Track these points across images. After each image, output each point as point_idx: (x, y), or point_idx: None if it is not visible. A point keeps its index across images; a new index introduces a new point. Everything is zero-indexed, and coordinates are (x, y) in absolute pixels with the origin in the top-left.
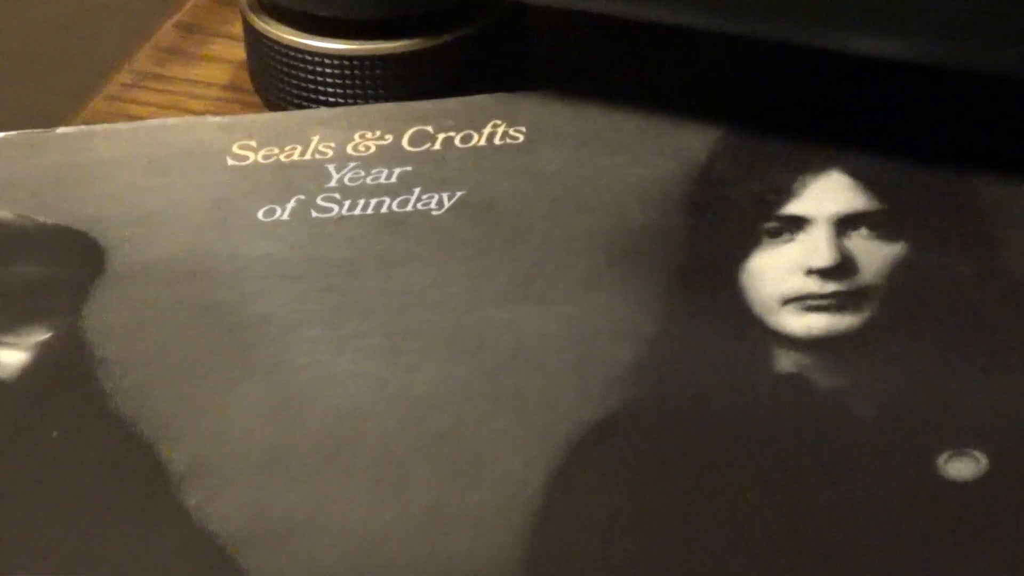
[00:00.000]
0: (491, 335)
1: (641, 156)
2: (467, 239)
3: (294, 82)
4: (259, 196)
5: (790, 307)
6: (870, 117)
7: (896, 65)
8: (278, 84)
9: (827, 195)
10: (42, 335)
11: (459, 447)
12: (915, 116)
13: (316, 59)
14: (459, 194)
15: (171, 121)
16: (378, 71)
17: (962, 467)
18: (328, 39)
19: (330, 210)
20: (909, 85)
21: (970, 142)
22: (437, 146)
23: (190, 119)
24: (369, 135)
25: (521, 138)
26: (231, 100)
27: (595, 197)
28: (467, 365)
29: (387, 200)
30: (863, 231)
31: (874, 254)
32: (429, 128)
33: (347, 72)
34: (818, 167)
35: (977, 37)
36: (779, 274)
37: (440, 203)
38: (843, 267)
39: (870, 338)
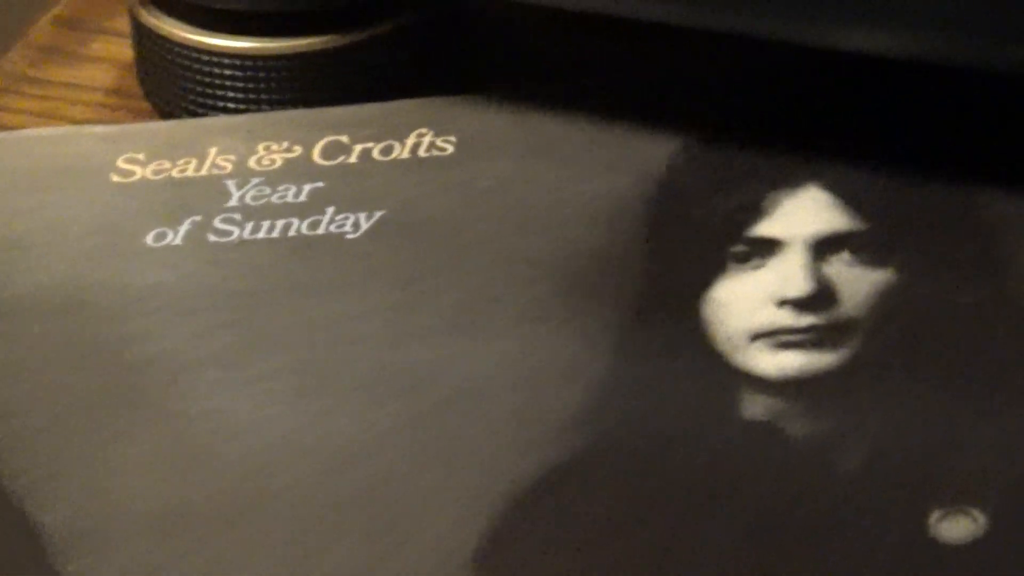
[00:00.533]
0: (419, 375)
1: (591, 169)
2: (389, 265)
3: (189, 85)
4: (148, 218)
5: (760, 343)
6: (854, 124)
7: (885, 65)
8: (170, 88)
9: (803, 214)
10: None
11: (384, 504)
12: (905, 123)
13: (214, 59)
14: (379, 214)
15: (47, 131)
16: (285, 72)
17: (957, 527)
18: (228, 36)
19: (230, 233)
20: (899, 88)
21: (969, 152)
22: (353, 159)
23: (69, 129)
24: (275, 147)
25: (451, 149)
26: (116, 107)
27: (537, 217)
28: (391, 410)
29: (295, 221)
30: (844, 255)
31: (857, 282)
32: (344, 138)
33: (249, 74)
34: (793, 182)
35: (982, 30)
36: (748, 305)
37: (357, 225)
38: (821, 297)
39: (853, 379)
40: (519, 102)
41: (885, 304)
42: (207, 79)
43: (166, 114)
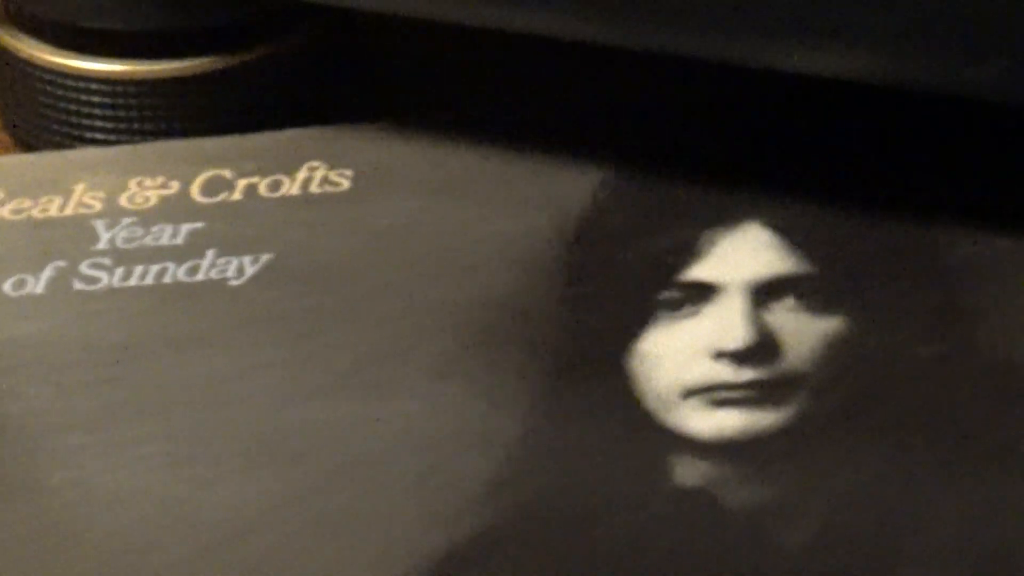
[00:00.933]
0: (311, 441)
1: (503, 207)
2: (277, 316)
3: (52, 114)
4: (6, 263)
5: (695, 401)
6: (799, 157)
7: (834, 91)
8: (32, 117)
9: (742, 256)
10: None
11: None
12: (857, 155)
13: (80, 83)
14: (265, 258)
15: None
16: (160, 99)
17: None
18: (96, 58)
19: (98, 280)
20: (851, 117)
21: (929, 188)
22: (237, 196)
23: None
24: (149, 182)
25: (346, 184)
26: None
27: (444, 261)
28: (279, 480)
29: (172, 266)
30: (789, 302)
31: (803, 331)
32: (226, 173)
33: (120, 100)
34: (731, 220)
35: (940, 51)
36: (680, 358)
37: (241, 270)
38: (763, 348)
39: (800, 441)
40: (424, 131)
41: (835, 357)
42: (73, 106)
43: (27, 146)
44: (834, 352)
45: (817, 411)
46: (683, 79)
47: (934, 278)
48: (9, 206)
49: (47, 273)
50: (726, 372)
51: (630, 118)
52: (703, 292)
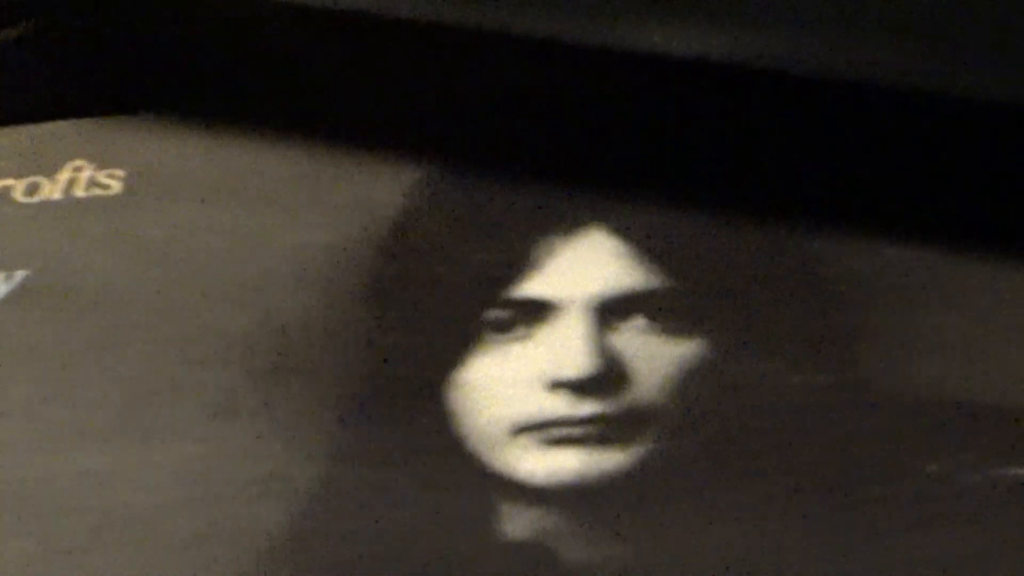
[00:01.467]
0: (70, 494)
1: (301, 215)
2: (34, 346)
3: None
4: None
5: (526, 439)
6: (650, 152)
7: (692, 74)
8: None
9: (583, 268)
10: None
11: None
12: (718, 150)
13: None
14: (21, 276)
15: None
16: None
17: None
18: None
19: None
20: (709, 104)
21: (801, 188)
22: None
23: None
24: None
25: (117, 187)
26: None
27: (230, 279)
28: (32, 539)
29: None
30: (639, 322)
31: (656, 358)
32: None
33: None
34: (570, 226)
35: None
36: (510, 389)
37: None
38: (607, 377)
39: (649, 487)
40: (207, 125)
41: (693, 387)
42: None
43: None
44: (692, 382)
45: (671, 452)
46: (511, 67)
47: (810, 294)
48: None
49: None
50: (563, 405)
51: (450, 112)
52: (537, 311)
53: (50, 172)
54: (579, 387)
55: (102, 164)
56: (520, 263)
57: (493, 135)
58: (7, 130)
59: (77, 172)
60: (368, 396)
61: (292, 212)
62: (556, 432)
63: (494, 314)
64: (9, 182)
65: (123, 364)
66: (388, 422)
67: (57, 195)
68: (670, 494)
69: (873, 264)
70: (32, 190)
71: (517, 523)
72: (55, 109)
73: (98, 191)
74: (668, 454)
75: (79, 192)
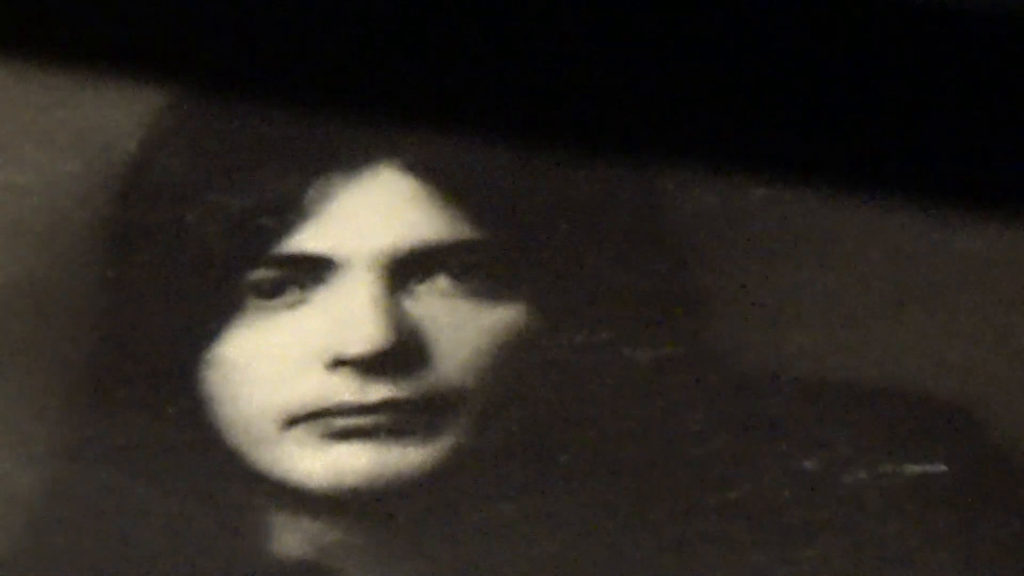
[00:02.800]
0: None
1: (10, 150)
2: None
3: None
4: None
5: (300, 432)
6: (454, 69)
7: None
8: None
9: (370, 215)
10: None
11: None
12: (538, 64)
13: None
14: None
15: None
16: None
17: None
18: None
19: None
20: (525, 20)
21: (647, 109)
22: None
23: None
24: None
25: None
26: None
27: None
28: None
29: None
30: (441, 283)
31: (463, 327)
32: None
33: None
34: (353, 162)
35: None
36: (280, 368)
37: None
38: (403, 353)
39: (457, 489)
40: None
41: (507, 364)
42: None
43: None
44: (506, 358)
45: (480, 446)
46: None
47: (653, 245)
48: None
49: None
50: (348, 389)
51: (197, 23)
52: (312, 270)
53: None
54: (367, 366)
55: None
56: (288, 210)
57: (251, 51)
58: None
59: None
60: (100, 380)
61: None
62: (339, 422)
63: (258, 274)
64: None
65: None
66: (125, 412)
67: None
68: (479, 498)
69: (733, 206)
70: None
71: (290, 538)
72: None
73: None
74: (477, 449)
75: None
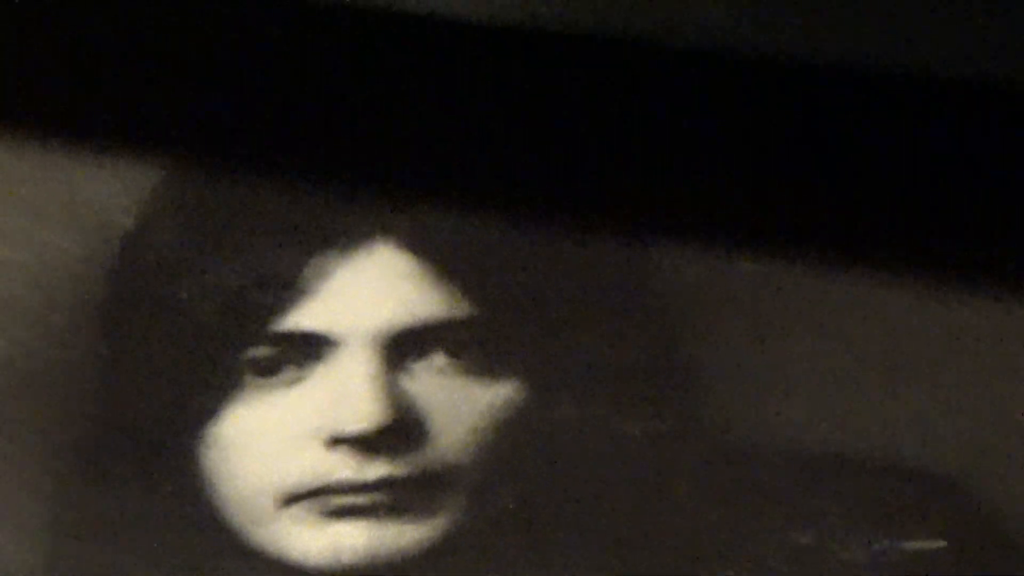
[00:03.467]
0: None
1: (4, 226)
2: None
3: None
4: None
5: (299, 510)
6: (449, 147)
7: (505, 50)
8: None
9: (367, 293)
10: None
11: None
12: (531, 143)
13: None
14: None
15: None
16: None
17: None
18: None
19: None
20: (520, 89)
21: (638, 185)
22: None
23: None
24: None
25: None
26: None
27: None
28: None
29: None
30: (438, 360)
31: (459, 404)
32: None
33: None
34: (350, 239)
35: None
36: (277, 447)
37: None
38: (400, 431)
39: (453, 566)
40: None
41: (503, 440)
42: None
43: None
44: (501, 434)
45: (477, 523)
46: (266, 43)
47: (644, 319)
48: None
49: None
50: (346, 467)
51: (196, 100)
52: (309, 348)
53: None
54: (365, 444)
55: None
56: (285, 287)
57: (246, 127)
58: None
59: None
60: (95, 456)
61: None
62: (338, 500)
63: (254, 352)
64: None
65: None
66: (121, 489)
67: None
68: (476, 574)
69: (723, 280)
70: None
71: None
72: None
73: None
74: (472, 525)
75: None
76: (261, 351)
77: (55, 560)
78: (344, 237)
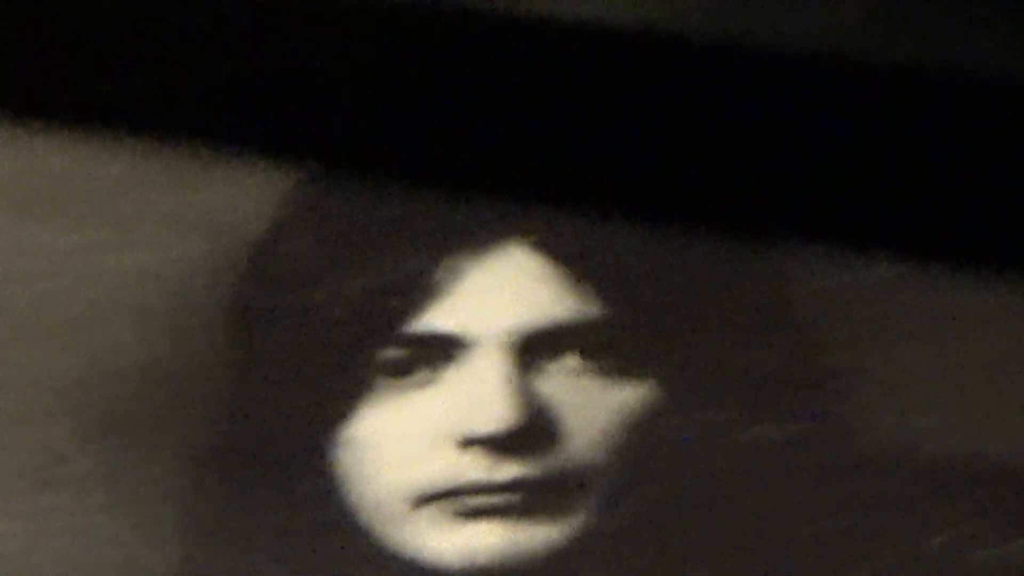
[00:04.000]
0: None
1: (139, 231)
2: None
3: None
4: None
5: (433, 511)
6: (583, 148)
7: (639, 53)
8: None
9: (500, 294)
10: None
11: None
12: (667, 146)
13: None
14: None
15: None
16: None
17: None
18: None
19: None
20: (657, 91)
21: (772, 190)
22: None
23: None
24: None
25: None
26: None
27: (45, 311)
28: None
29: None
30: (570, 362)
31: (592, 406)
32: None
33: None
34: (482, 241)
35: None
36: (410, 448)
37: None
38: (533, 432)
39: (585, 568)
40: (13, 119)
41: (636, 443)
42: None
43: None
44: (635, 437)
45: (609, 525)
46: (398, 41)
47: (777, 325)
48: None
49: None
50: (478, 468)
51: (326, 102)
52: (442, 350)
53: None
54: (497, 445)
55: None
56: (418, 289)
57: (379, 132)
58: None
59: None
60: (228, 461)
61: (121, 226)
62: (470, 501)
63: (388, 354)
64: None
65: None
66: (254, 493)
67: None
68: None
69: (857, 285)
70: None
71: None
72: None
73: None
74: (605, 528)
75: None
76: (394, 353)
77: (190, 562)
78: (477, 239)
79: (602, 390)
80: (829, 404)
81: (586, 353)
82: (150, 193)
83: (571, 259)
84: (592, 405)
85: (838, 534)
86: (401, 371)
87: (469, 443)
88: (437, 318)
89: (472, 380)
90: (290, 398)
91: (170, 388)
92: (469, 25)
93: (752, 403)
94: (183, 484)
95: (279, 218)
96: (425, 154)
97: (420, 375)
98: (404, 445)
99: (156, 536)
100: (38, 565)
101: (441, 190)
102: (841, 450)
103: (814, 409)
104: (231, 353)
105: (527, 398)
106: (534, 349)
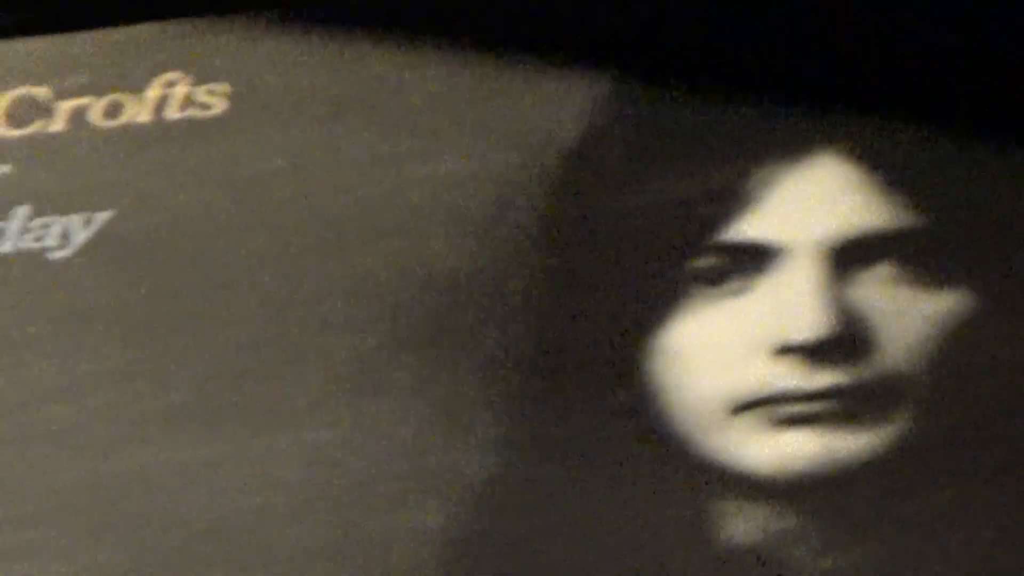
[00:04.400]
0: (164, 492)
1: (449, 139)
2: (115, 304)
3: None
4: None
5: (749, 419)
6: (892, 59)
7: None
8: None
9: (813, 203)
10: None
11: None
12: (982, 50)
13: None
14: (102, 218)
15: None
16: None
17: None
18: None
19: None
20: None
21: None
22: (58, 125)
23: None
24: None
25: (220, 106)
26: None
27: (358, 220)
28: (120, 551)
29: None
30: (883, 270)
31: (906, 315)
32: (42, 91)
33: None
34: (795, 151)
35: None
36: (726, 357)
37: (67, 236)
38: (847, 340)
39: (903, 478)
40: (329, 28)
41: (951, 353)
42: None
43: None
44: (950, 347)
45: (924, 434)
46: None
47: None
48: None
49: None
50: (794, 376)
51: (635, 12)
52: (756, 258)
53: (137, 86)
54: (812, 353)
55: (201, 77)
56: (732, 198)
57: (693, 41)
58: (80, 35)
59: (170, 88)
60: (547, 369)
61: (437, 136)
62: (786, 409)
63: (702, 262)
64: (85, 101)
65: (227, 329)
66: (570, 400)
67: (145, 117)
68: (925, 485)
69: None
70: (114, 111)
71: (739, 525)
72: (139, 7)
73: (196, 112)
74: (921, 436)
75: (172, 114)
76: (707, 262)
77: (508, 474)
78: (789, 148)
79: (916, 299)
80: None
81: (899, 262)
82: (464, 104)
83: (883, 168)
84: (906, 314)
85: None
86: (714, 280)
87: (783, 351)
88: (750, 227)
89: (786, 289)
90: (603, 307)
91: (484, 294)
92: None
93: None
94: (498, 393)
95: (592, 126)
96: (736, 64)
97: (733, 284)
98: (718, 354)
99: (473, 442)
100: (357, 472)
101: (752, 100)
102: None
103: None
104: (544, 260)
105: (841, 306)
106: (847, 258)
